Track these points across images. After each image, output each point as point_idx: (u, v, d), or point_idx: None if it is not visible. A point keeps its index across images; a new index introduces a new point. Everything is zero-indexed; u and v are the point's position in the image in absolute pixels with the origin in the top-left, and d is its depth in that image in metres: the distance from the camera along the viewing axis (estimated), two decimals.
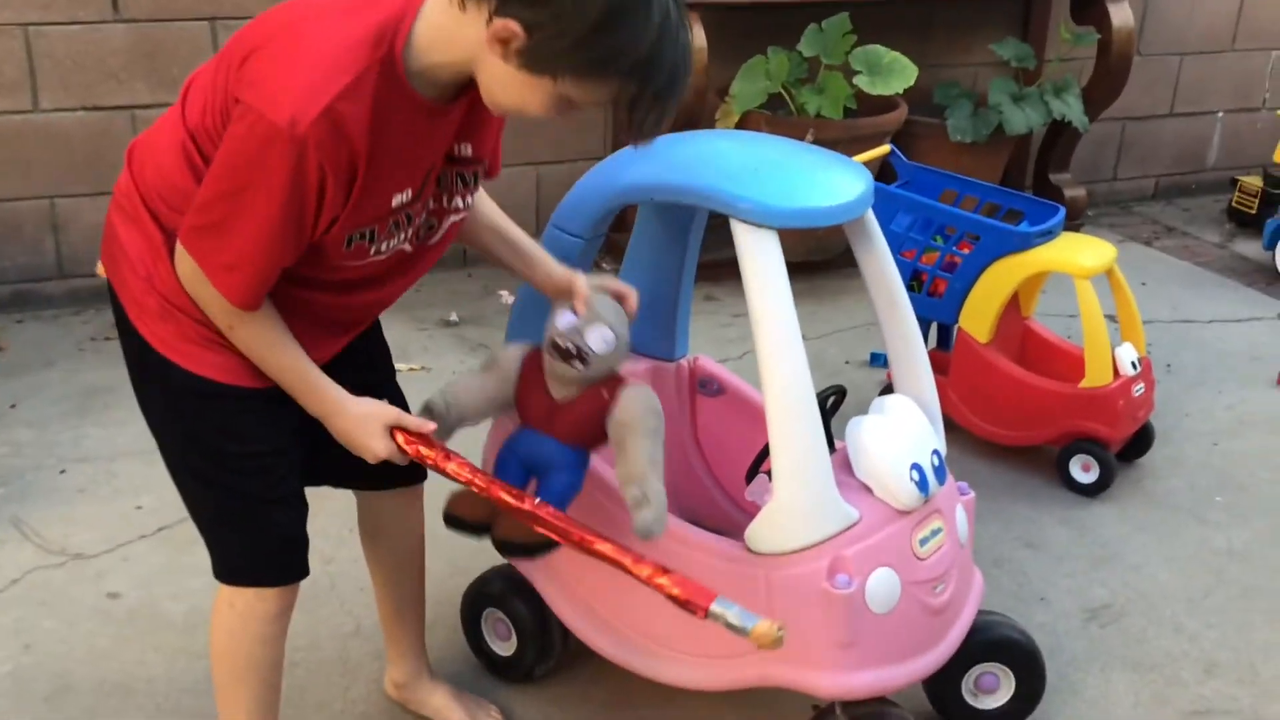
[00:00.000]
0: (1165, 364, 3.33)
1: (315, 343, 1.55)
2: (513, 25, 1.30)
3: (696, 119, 3.57)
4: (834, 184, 1.77)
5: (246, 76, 1.36)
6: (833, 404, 1.83)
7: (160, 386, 1.56)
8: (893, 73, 3.62)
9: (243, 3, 3.27)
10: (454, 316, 3.53)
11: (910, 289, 2.84)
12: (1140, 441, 2.85)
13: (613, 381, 1.67)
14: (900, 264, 2.81)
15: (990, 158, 3.99)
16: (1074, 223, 4.15)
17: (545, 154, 3.82)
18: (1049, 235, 2.75)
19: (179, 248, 1.44)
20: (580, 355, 1.63)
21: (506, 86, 1.37)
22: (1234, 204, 4.47)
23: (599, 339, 1.63)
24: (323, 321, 1.57)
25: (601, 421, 1.66)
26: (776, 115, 3.60)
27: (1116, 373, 2.71)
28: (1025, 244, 2.72)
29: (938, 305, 2.86)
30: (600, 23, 1.29)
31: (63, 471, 2.70)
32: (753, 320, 1.68)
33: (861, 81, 3.59)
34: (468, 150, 1.55)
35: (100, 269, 1.58)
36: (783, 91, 3.57)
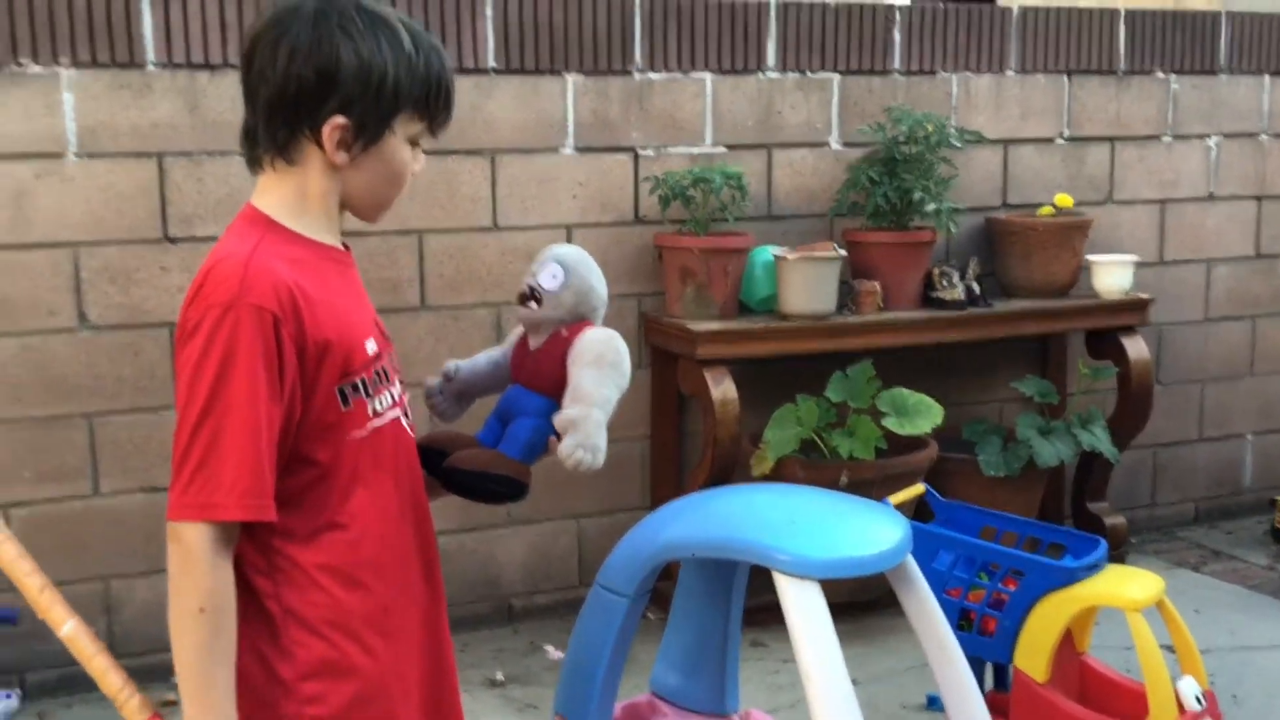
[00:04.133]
0: (1230, 694, 3.23)
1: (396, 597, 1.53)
2: (334, 121, 1.46)
3: (731, 466, 3.66)
4: (871, 532, 1.81)
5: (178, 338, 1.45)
6: None
7: None
8: (919, 413, 3.73)
9: None
10: (499, 676, 3.49)
11: (960, 628, 2.82)
12: None
13: (576, 325, 1.68)
14: (946, 603, 2.81)
15: (1025, 490, 4.03)
16: (1117, 551, 4.14)
17: (587, 507, 3.89)
18: (1094, 569, 2.75)
19: (172, 532, 1.42)
20: (534, 294, 1.67)
21: (370, 177, 1.51)
22: (1276, 524, 4.46)
23: (548, 275, 1.67)
24: (386, 560, 1.53)
25: (562, 362, 1.66)
26: (810, 459, 3.69)
27: (1181, 709, 2.63)
28: (1071, 579, 2.71)
29: (990, 645, 2.82)
30: (385, 62, 1.46)
31: None
32: (802, 674, 1.68)
33: (890, 423, 3.69)
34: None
35: None
36: (814, 436, 3.68)
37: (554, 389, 1.66)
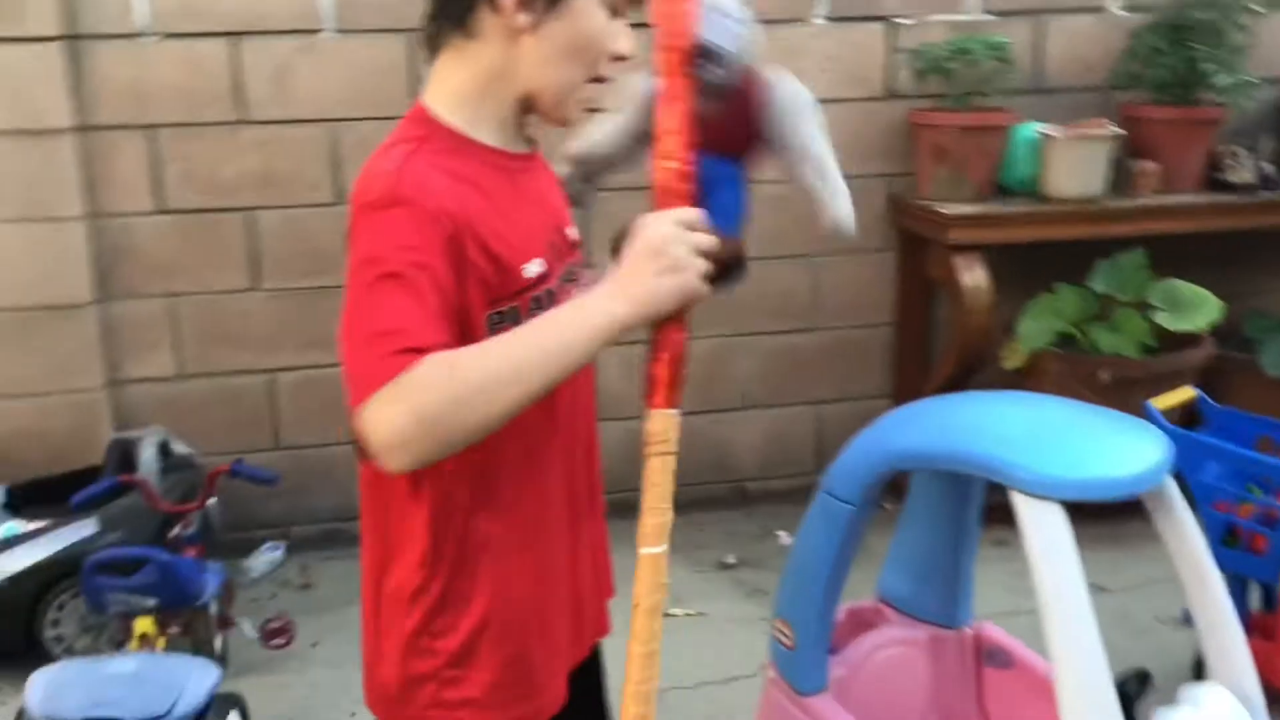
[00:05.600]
0: None
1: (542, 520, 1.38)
2: None
3: (981, 359, 3.48)
4: (1125, 449, 1.66)
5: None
6: (1137, 692, 1.66)
7: None
8: (1195, 308, 3.43)
9: None
10: (731, 559, 3.50)
11: (1225, 544, 2.61)
12: None
13: (752, 78, 1.46)
14: (1212, 517, 2.60)
15: None
16: None
17: (826, 392, 3.81)
18: None
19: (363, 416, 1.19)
20: (712, 56, 1.39)
21: (556, 50, 1.29)
22: None
23: (725, 33, 1.40)
24: (535, 465, 1.37)
25: (752, 121, 1.47)
26: (1068, 354, 3.46)
27: None
28: None
29: (1259, 563, 2.60)
30: None
31: (353, 715, 2.79)
32: (1040, 604, 1.57)
33: (1161, 318, 3.42)
34: (575, 233, 1.45)
35: None
36: (1074, 330, 3.44)
37: (746, 148, 1.49)
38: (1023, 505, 1.59)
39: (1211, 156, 3.61)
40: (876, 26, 3.59)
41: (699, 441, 3.75)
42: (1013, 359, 3.47)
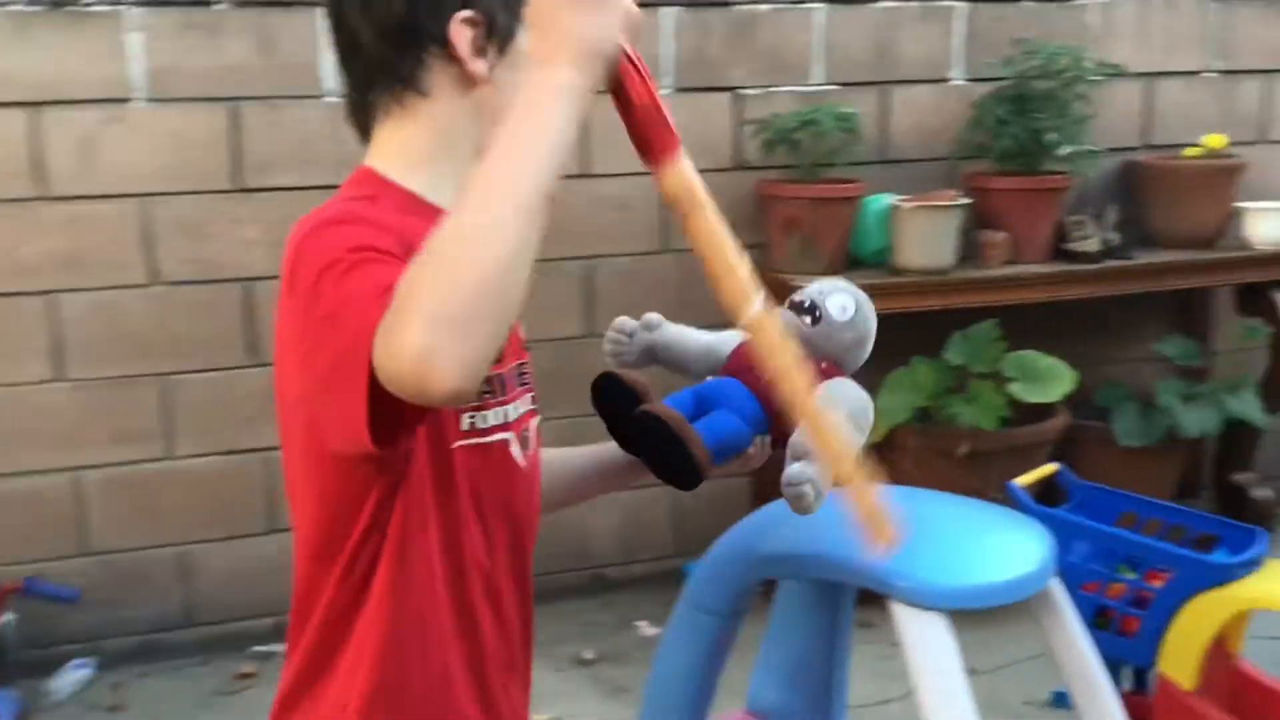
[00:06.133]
0: None
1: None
2: (461, 15, 1.14)
3: None
4: (1008, 551, 1.55)
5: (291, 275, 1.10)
6: None
7: None
8: (1050, 379, 3.40)
9: None
10: (589, 654, 3.30)
11: (1096, 626, 2.53)
12: None
13: (832, 368, 1.44)
14: (1082, 599, 2.51)
15: (1164, 462, 3.69)
16: (1264, 525, 3.76)
17: None
18: (1253, 565, 2.43)
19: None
20: (814, 311, 1.42)
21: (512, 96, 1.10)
22: None
23: (838, 305, 1.44)
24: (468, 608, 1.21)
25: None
26: (926, 429, 3.39)
27: None
28: (1227, 576, 2.40)
29: (1131, 646, 2.52)
30: None
31: None
32: (922, 717, 1.43)
33: (1016, 389, 3.38)
34: (522, 331, 1.28)
35: None
36: (931, 404, 3.38)
37: (777, 411, 1.42)
38: (904, 616, 1.45)
39: (1058, 226, 3.61)
40: (723, 97, 3.51)
41: (555, 528, 3.54)
42: (871, 435, 3.38)
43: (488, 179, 1.00)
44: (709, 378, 1.46)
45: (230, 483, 3.29)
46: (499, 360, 1.18)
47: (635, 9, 1.08)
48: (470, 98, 1.17)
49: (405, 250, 1.04)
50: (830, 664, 1.87)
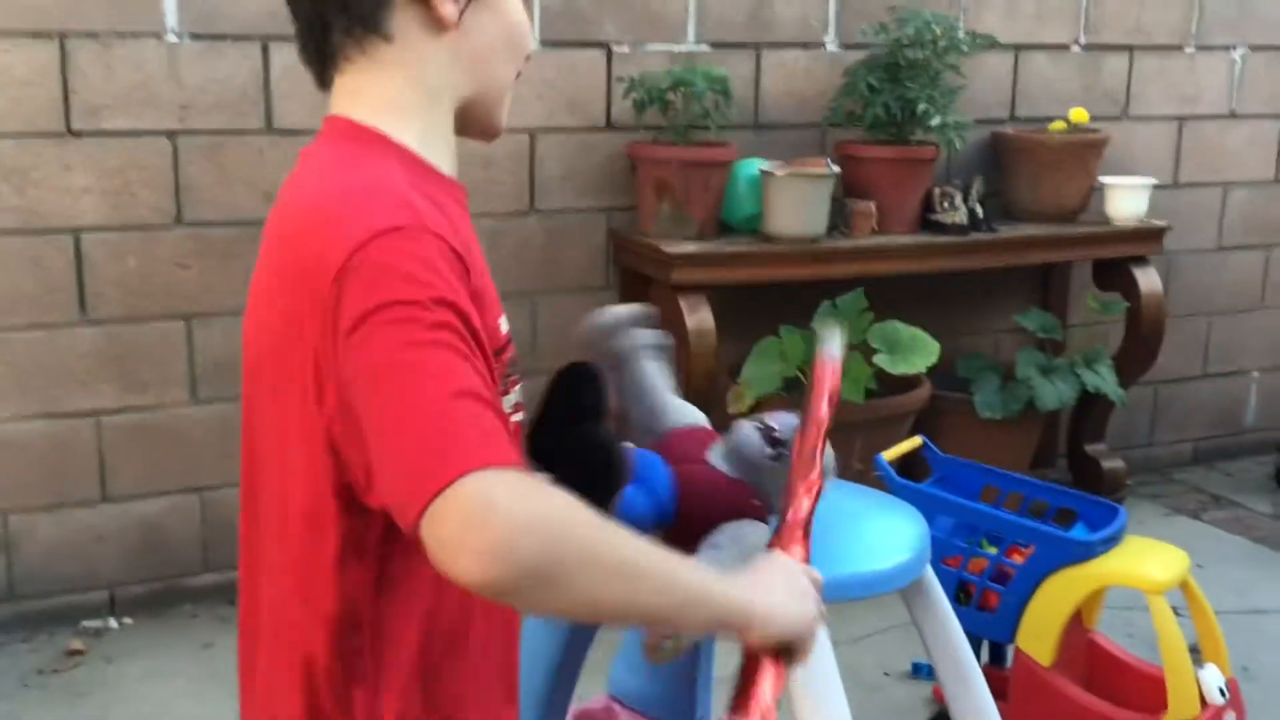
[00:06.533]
0: (1241, 666, 2.96)
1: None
2: None
3: (706, 406, 3.32)
4: (883, 539, 1.49)
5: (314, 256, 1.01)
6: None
7: None
8: (915, 350, 3.39)
9: (220, 300, 3.08)
10: None
11: (957, 601, 2.53)
12: None
13: (758, 506, 1.43)
14: (943, 573, 2.50)
15: (1022, 432, 3.73)
16: (1115, 495, 3.85)
17: None
18: (1112, 542, 2.45)
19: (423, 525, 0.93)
20: (778, 447, 1.43)
21: (488, 42, 1.10)
22: None
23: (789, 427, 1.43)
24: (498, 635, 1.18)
25: (721, 509, 1.41)
26: (794, 398, 3.35)
27: (1203, 701, 2.36)
28: (1087, 553, 2.42)
29: (990, 621, 2.53)
30: None
31: None
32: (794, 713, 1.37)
33: (882, 360, 3.36)
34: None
35: None
36: (799, 374, 3.34)
37: (695, 519, 1.42)
38: None
39: (926, 197, 3.60)
40: (597, 53, 3.38)
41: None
42: (738, 404, 3.33)
43: (653, 558, 0.98)
44: (644, 439, 1.41)
45: (59, 448, 3.06)
46: (508, 341, 1.14)
47: (817, 626, 1.12)
48: (441, 43, 1.08)
49: (462, 245, 1.01)
50: (693, 652, 1.80)
